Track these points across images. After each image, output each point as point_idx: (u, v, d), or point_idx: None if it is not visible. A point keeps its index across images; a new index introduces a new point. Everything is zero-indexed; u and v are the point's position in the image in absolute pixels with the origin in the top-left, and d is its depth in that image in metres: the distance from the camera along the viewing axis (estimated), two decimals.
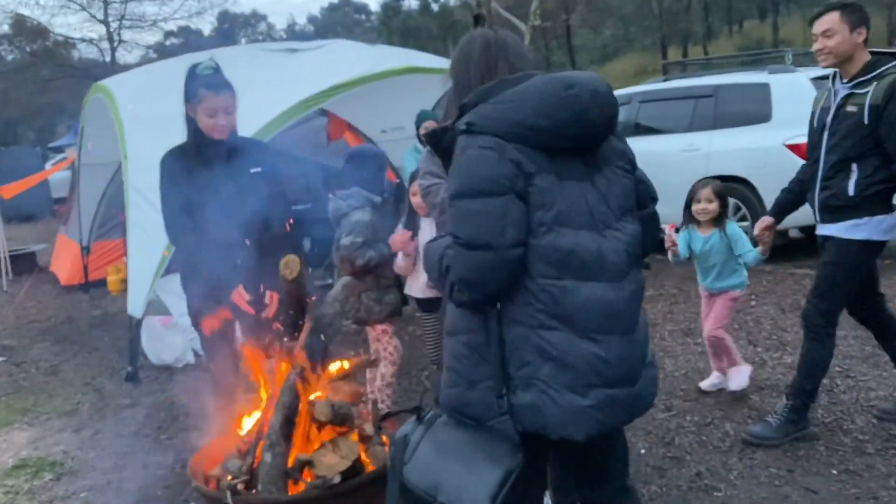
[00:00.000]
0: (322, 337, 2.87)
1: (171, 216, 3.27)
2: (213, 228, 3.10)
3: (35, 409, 5.04)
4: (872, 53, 3.38)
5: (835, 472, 3.35)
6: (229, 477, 2.76)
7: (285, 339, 2.84)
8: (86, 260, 8.78)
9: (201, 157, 3.25)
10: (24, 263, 10.55)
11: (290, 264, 2.67)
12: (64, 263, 9.39)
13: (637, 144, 8.78)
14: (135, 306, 5.40)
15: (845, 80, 3.39)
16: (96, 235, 8.73)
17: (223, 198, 3.15)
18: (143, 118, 5.83)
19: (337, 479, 2.61)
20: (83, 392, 5.31)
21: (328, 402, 2.72)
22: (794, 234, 7.61)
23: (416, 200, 3.66)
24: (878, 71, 3.29)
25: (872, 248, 3.48)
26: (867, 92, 3.28)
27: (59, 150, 22.27)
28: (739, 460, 3.53)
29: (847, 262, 3.48)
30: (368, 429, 2.91)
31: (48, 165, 18.41)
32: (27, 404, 5.15)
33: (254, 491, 2.73)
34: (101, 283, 8.52)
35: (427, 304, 3.91)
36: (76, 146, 8.88)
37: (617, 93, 8.91)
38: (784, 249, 7.41)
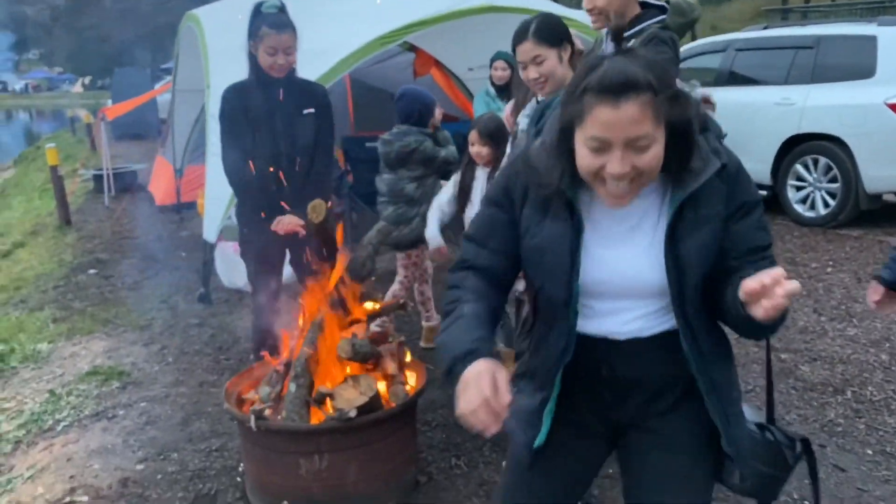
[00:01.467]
0: (353, 278, 2.97)
1: (225, 148, 3.42)
2: (262, 162, 3.23)
3: (114, 321, 5.43)
4: None
5: (870, 451, 3.26)
6: (258, 402, 2.94)
7: (318, 277, 2.95)
8: (178, 182, 9.21)
9: (259, 93, 3.36)
10: (125, 181, 11.18)
11: (316, 208, 2.76)
12: (160, 184, 9.88)
13: (729, 94, 8.53)
14: (209, 231, 5.67)
15: None
16: (188, 159, 9.11)
17: (274, 134, 3.27)
18: (227, 49, 6.00)
19: (353, 414, 2.74)
20: (158, 309, 5.67)
21: (349, 341, 2.83)
22: (889, 198, 7.18)
23: (473, 150, 3.66)
24: None
25: None
26: None
27: (169, 71, 23.10)
28: None
29: None
30: (392, 368, 3.02)
31: (157, 87, 19.17)
32: (108, 316, 5.56)
33: (279, 417, 2.90)
34: (192, 205, 8.93)
35: None
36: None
37: (712, 39, 8.59)
38: (876, 214, 7.03)
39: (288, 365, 2.99)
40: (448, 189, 3.88)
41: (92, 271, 6.88)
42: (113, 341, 5.03)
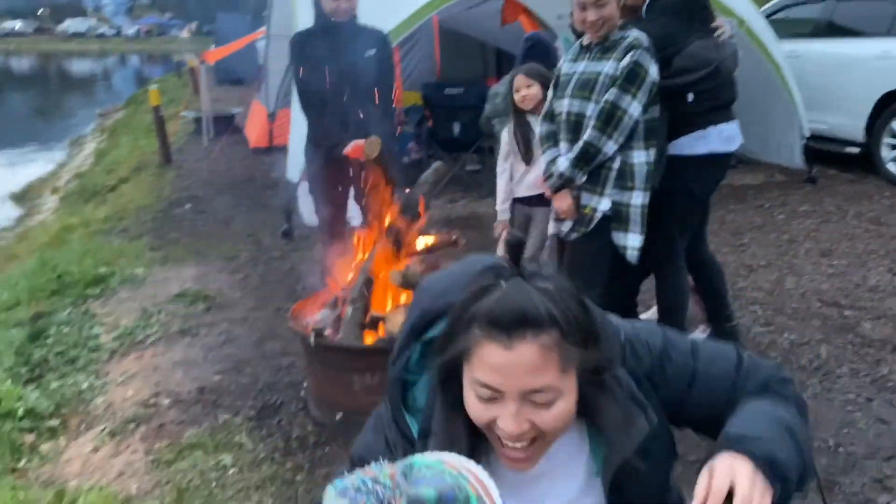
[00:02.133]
0: (408, 214, 3.17)
1: (298, 91, 3.66)
2: (327, 102, 3.45)
3: (204, 251, 5.85)
4: None
5: None
6: (319, 323, 3.20)
7: (375, 212, 3.17)
8: (271, 126, 9.60)
9: (323, 38, 3.56)
10: (223, 124, 11.69)
11: (372, 144, 2.95)
12: (254, 127, 10.32)
13: (826, 47, 8.15)
14: (292, 171, 5.98)
15: None
16: (281, 104, 9.46)
17: (338, 75, 3.48)
18: None
19: None
20: (245, 242, 6.05)
21: (402, 271, 3.04)
22: None
23: (520, 94, 3.73)
24: None
25: None
26: None
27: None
28: (820, 382, 3.50)
29: None
30: None
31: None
32: (200, 247, 5.98)
33: (337, 337, 3.15)
34: (283, 148, 9.30)
35: (527, 201, 4.01)
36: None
37: None
38: None
39: (347, 292, 3.23)
40: (503, 153, 3.94)
41: (187, 206, 7.36)
42: (201, 269, 5.43)
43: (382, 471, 0.95)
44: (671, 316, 3.46)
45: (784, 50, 7.03)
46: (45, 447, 3.40)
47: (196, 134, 11.63)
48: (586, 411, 1.18)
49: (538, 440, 1.12)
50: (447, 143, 7.33)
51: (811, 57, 7.49)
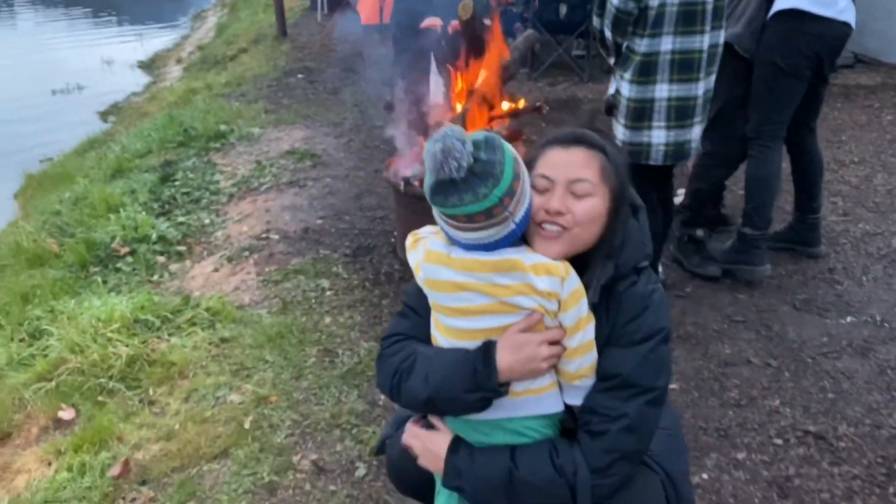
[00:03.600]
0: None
1: None
2: None
3: (313, 117, 6.27)
4: None
5: None
6: (410, 174, 3.55)
7: (466, 73, 3.43)
8: (382, 3, 9.78)
9: None
10: (336, 0, 11.96)
11: (465, 7, 3.19)
12: (366, 4, 10.51)
13: None
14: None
15: None
16: None
17: None
18: None
19: None
20: (350, 111, 6.44)
21: (485, 131, 3.33)
22: None
23: None
24: None
25: None
26: None
27: None
28: (883, 268, 3.63)
29: None
30: None
31: None
32: (309, 112, 6.41)
33: None
34: None
35: None
36: None
37: None
38: None
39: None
40: None
41: (300, 76, 7.78)
42: (310, 132, 5.87)
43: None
44: (754, 196, 3.43)
45: None
46: (173, 266, 3.98)
47: (311, 10, 11.95)
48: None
49: (566, 232, 1.42)
50: (552, 26, 7.35)
51: None
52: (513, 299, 1.40)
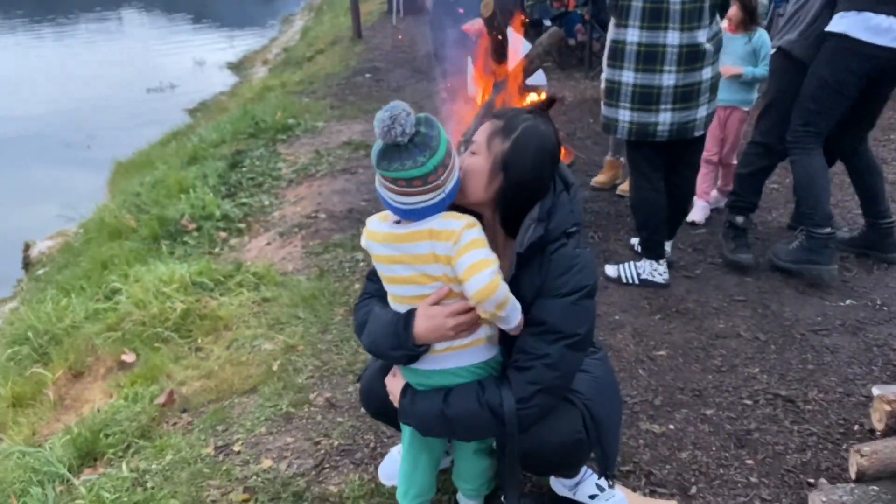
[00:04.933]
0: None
1: None
2: None
3: (373, 112, 6.62)
4: None
5: None
6: None
7: (489, 66, 3.75)
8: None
9: None
10: (412, 4, 12.41)
11: (486, 5, 3.49)
12: None
13: None
14: None
15: None
16: None
17: None
18: None
19: None
20: (413, 107, 6.80)
21: None
22: None
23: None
24: None
25: None
26: None
27: None
28: None
29: None
30: None
31: None
32: (370, 108, 6.83)
33: None
34: None
35: None
36: None
37: None
38: None
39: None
40: None
41: (367, 75, 8.23)
42: (368, 125, 6.27)
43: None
44: (805, 198, 3.55)
45: None
46: (233, 241, 4.43)
47: (388, 13, 12.47)
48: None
49: None
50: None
51: None
52: (426, 268, 1.68)
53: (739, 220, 3.73)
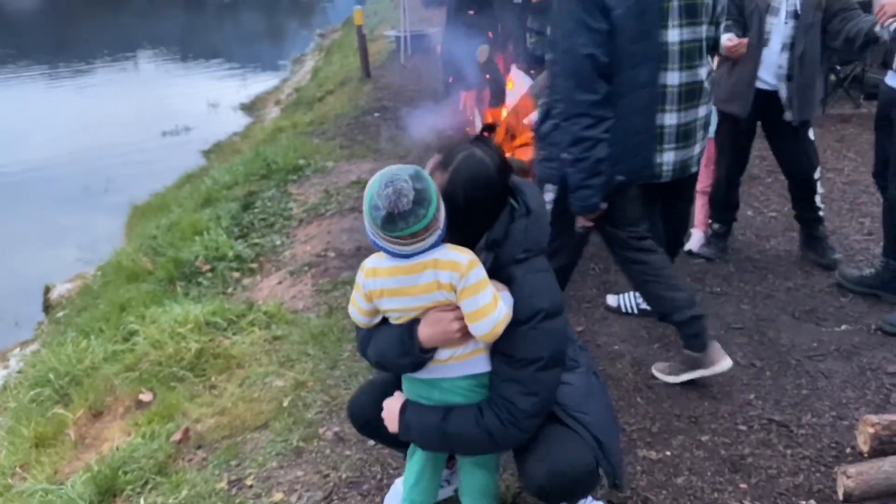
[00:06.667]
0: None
1: None
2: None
3: (382, 150, 6.86)
4: None
5: None
6: None
7: (489, 107, 3.90)
8: None
9: None
10: (421, 44, 12.69)
11: (483, 51, 3.65)
12: None
13: None
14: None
15: None
16: None
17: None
18: None
19: None
20: (417, 144, 6.98)
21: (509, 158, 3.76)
22: None
23: None
24: None
25: None
26: None
27: None
28: None
29: None
30: None
31: None
32: (378, 147, 7.02)
33: None
34: None
35: None
36: None
37: None
38: None
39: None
40: None
41: (376, 114, 8.43)
42: (377, 164, 6.43)
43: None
44: None
45: None
46: (245, 281, 4.57)
47: (396, 52, 12.72)
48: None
49: None
50: None
51: None
52: (430, 296, 1.80)
53: (716, 226, 4.17)
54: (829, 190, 4.95)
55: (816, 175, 3.97)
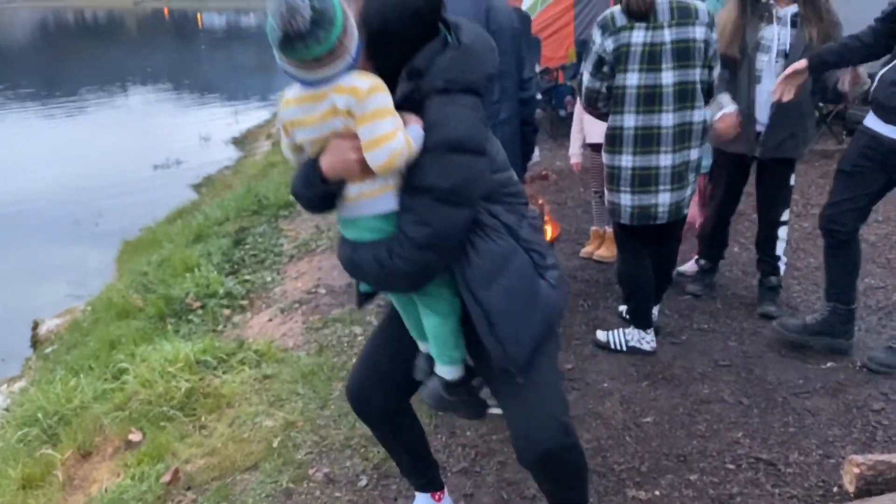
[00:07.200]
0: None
1: None
2: None
3: None
4: None
5: None
6: None
7: None
8: None
9: None
10: None
11: None
12: None
13: None
14: None
15: None
16: None
17: None
18: None
19: None
20: None
21: None
22: None
23: None
24: None
25: None
26: None
27: None
28: (878, 319, 3.85)
29: None
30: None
31: None
32: None
33: None
34: None
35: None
36: None
37: None
38: None
39: None
40: None
41: None
42: None
43: None
44: None
45: None
46: (236, 318, 4.58)
47: None
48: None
49: None
50: None
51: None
52: (326, 124, 1.71)
53: (702, 262, 4.28)
54: (812, 225, 5.00)
55: (784, 217, 3.96)
